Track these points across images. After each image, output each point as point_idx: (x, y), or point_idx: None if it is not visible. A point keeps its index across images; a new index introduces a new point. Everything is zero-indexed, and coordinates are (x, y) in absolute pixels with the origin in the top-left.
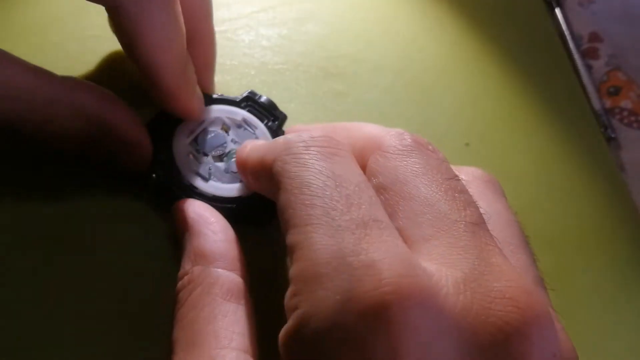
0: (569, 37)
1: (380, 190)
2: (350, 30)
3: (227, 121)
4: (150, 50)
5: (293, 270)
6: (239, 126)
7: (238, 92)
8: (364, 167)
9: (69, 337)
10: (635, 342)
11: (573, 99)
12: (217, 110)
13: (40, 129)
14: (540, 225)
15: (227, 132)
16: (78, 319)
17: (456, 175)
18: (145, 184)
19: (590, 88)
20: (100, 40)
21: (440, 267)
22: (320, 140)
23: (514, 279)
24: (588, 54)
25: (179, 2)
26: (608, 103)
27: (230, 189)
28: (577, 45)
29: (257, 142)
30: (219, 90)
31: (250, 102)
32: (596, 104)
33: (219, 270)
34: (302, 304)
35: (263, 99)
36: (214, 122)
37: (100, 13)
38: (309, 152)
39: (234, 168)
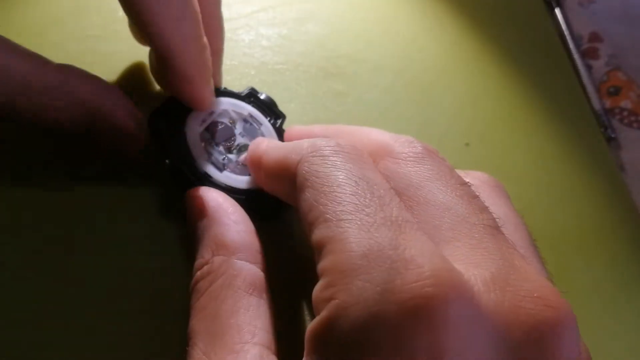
0: (569, 37)
1: None
2: (350, 30)
3: (234, 115)
4: (168, 31)
5: (325, 263)
6: (245, 120)
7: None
8: None
9: (70, 337)
10: (636, 342)
11: (573, 99)
12: (224, 102)
13: (36, 116)
14: (540, 225)
15: (234, 124)
16: (78, 319)
17: (467, 182)
18: (165, 168)
19: (590, 88)
20: (100, 40)
21: (466, 267)
22: (347, 147)
23: (539, 279)
24: (588, 54)
25: None
26: (608, 103)
27: (241, 180)
28: (577, 45)
29: (273, 142)
30: None
31: (253, 98)
32: (596, 104)
33: (241, 262)
34: (338, 294)
35: (263, 96)
36: (222, 114)
37: (100, 13)
38: (338, 155)
39: (244, 161)
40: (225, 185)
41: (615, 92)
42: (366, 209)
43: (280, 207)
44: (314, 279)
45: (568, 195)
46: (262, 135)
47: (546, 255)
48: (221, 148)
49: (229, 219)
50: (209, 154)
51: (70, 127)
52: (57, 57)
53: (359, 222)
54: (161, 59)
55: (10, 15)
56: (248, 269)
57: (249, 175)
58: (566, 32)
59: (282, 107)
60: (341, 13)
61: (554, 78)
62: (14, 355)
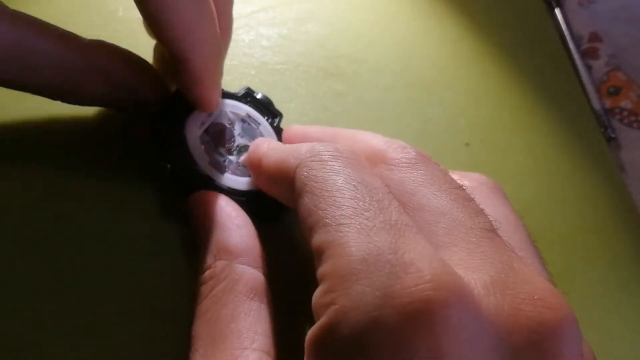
0: (569, 37)
1: None
2: (350, 30)
3: (232, 115)
4: (183, 34)
5: (325, 268)
6: (243, 121)
7: None
8: None
9: (70, 337)
10: (636, 342)
11: (573, 99)
12: (222, 103)
13: (71, 93)
14: (540, 226)
15: (232, 125)
16: (78, 319)
17: (461, 185)
18: (162, 172)
19: (590, 88)
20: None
21: (465, 271)
22: (346, 152)
23: (538, 281)
24: (588, 54)
25: None
26: (608, 103)
27: (242, 182)
28: (577, 45)
29: (273, 143)
30: None
31: (249, 97)
32: (596, 104)
33: (243, 266)
34: (338, 299)
35: (260, 95)
36: (220, 115)
37: (100, 13)
38: (337, 160)
39: (244, 162)
40: (227, 187)
41: (615, 92)
42: (365, 213)
43: (280, 209)
44: (315, 282)
45: (568, 195)
46: (261, 134)
47: (546, 255)
48: (221, 150)
49: (231, 223)
50: (210, 157)
51: (102, 100)
52: None
53: (358, 226)
54: (174, 59)
55: None
56: (250, 273)
57: (250, 176)
58: (566, 32)
59: (282, 107)
60: (341, 13)
61: (554, 78)
62: (13, 355)
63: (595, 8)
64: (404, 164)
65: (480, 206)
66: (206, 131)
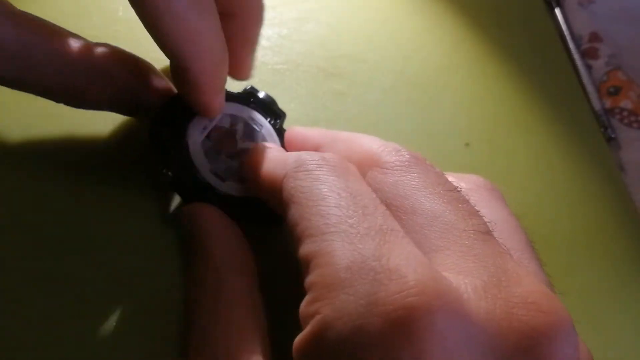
0: (569, 37)
1: None
2: (350, 30)
3: (234, 119)
4: (184, 46)
5: (311, 278)
6: (245, 124)
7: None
8: None
9: (70, 337)
10: (636, 342)
11: (573, 99)
12: (224, 107)
13: (74, 95)
14: (539, 226)
15: (234, 129)
16: (78, 319)
17: (456, 187)
18: (161, 180)
19: (590, 88)
20: (100, 41)
21: (457, 275)
22: (332, 160)
23: (532, 284)
24: (588, 54)
25: None
26: (608, 103)
27: (242, 188)
28: (577, 45)
29: (268, 151)
30: None
31: (252, 98)
32: (596, 104)
33: (234, 275)
34: (323, 309)
35: (263, 95)
36: (222, 119)
37: (100, 13)
38: (321, 169)
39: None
40: (227, 194)
41: (615, 92)
42: (349, 220)
43: (279, 215)
44: (304, 292)
45: (568, 195)
46: (263, 137)
47: (546, 255)
48: (223, 156)
49: (222, 234)
50: (211, 164)
51: (105, 103)
52: None
53: (342, 234)
54: (174, 66)
55: None
56: (239, 281)
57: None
58: (566, 32)
59: (282, 107)
60: (341, 13)
61: (554, 78)
62: (13, 356)
63: (595, 8)
64: (398, 167)
65: (475, 208)
66: (208, 136)
